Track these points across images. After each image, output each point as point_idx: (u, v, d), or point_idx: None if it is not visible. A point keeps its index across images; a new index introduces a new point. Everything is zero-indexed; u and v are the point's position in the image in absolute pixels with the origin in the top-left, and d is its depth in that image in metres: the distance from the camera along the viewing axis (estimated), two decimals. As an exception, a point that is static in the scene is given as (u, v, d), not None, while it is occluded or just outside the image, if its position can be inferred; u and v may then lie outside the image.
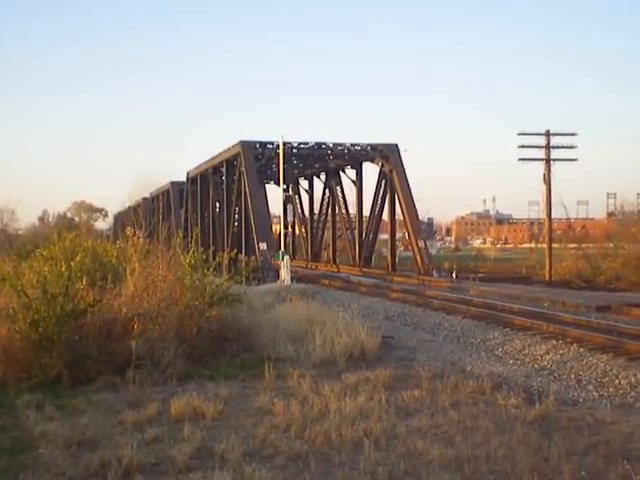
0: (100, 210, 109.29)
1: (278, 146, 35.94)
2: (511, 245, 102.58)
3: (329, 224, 48.70)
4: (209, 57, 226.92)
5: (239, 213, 41.71)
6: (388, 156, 39.53)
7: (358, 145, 41.05)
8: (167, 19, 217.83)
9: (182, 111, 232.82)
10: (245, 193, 38.32)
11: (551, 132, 40.90)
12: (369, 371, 12.21)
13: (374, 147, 40.45)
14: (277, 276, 30.81)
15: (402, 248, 60.21)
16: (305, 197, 53.52)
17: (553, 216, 43.98)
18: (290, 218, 39.07)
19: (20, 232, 68.47)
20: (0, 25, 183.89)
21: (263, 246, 34.85)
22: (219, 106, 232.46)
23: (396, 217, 41.42)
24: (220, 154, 44.43)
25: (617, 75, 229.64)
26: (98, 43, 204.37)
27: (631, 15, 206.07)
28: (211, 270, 15.28)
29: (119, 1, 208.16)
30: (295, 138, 40.72)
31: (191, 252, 15.53)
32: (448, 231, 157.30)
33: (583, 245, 49.36)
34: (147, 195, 69.21)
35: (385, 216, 42.19)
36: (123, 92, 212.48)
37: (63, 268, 13.22)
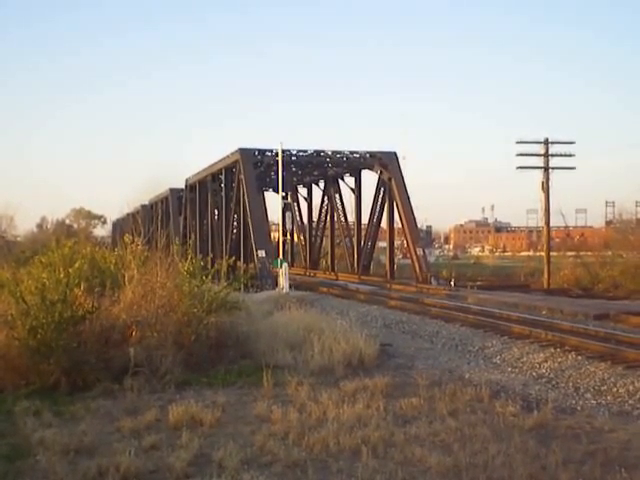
0: (99, 217, 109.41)
1: (277, 154, 36.01)
2: (509, 253, 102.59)
3: (328, 232, 48.76)
4: (208, 63, 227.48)
5: (238, 220, 41.76)
6: (387, 164, 39.63)
7: (357, 153, 41.15)
8: (168, 22, 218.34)
9: (181, 119, 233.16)
10: (244, 200, 38.37)
11: (550, 140, 41.01)
12: (367, 379, 12.20)
13: (373, 155, 40.55)
14: (275, 283, 30.81)
15: (401, 256, 60.29)
16: (304, 205, 53.66)
17: (552, 224, 44.09)
18: (289, 225, 39.16)
19: (19, 239, 68.36)
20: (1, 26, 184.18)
21: (262, 253, 34.88)
22: (218, 113, 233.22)
23: (395, 225, 41.49)
24: (219, 161, 44.50)
25: (616, 83, 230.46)
26: (98, 48, 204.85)
27: (633, 22, 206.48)
28: (209, 277, 15.29)
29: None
30: (294, 146, 40.83)
31: (189, 259, 15.54)
32: (447, 239, 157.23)
33: (581, 253, 49.43)
34: (146, 202, 69.22)
35: (384, 224, 42.26)
36: (122, 99, 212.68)
37: (62, 275, 13.22)
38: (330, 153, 41.19)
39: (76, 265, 14.45)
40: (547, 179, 40.87)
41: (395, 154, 40.19)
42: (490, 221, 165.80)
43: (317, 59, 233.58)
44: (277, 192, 40.81)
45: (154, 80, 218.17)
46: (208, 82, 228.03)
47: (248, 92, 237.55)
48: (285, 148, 36.87)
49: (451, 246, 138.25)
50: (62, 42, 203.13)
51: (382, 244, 48.08)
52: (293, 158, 40.50)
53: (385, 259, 44.72)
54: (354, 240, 44.34)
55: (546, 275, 41.09)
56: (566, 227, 67.96)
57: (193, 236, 37.62)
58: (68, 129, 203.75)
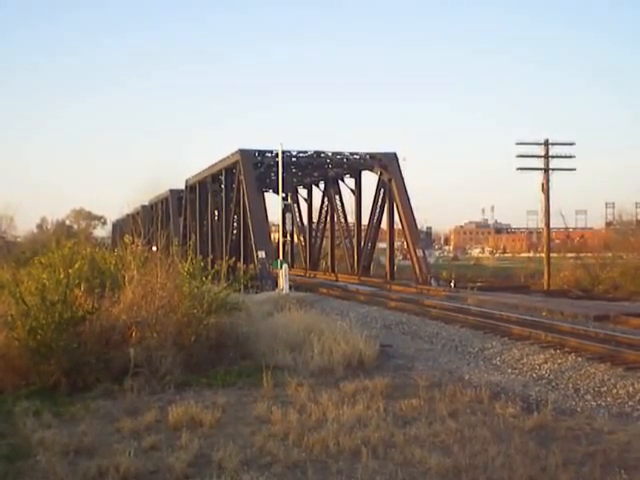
0: (99, 218, 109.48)
1: (277, 154, 35.98)
2: (509, 254, 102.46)
3: (328, 233, 48.73)
4: (208, 63, 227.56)
5: (238, 221, 41.77)
6: (387, 165, 39.63)
7: (357, 154, 41.13)
8: (169, 22, 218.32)
9: (181, 119, 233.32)
10: (244, 201, 38.37)
11: (550, 142, 40.98)
12: (367, 380, 12.19)
13: (373, 156, 40.54)
14: (275, 284, 30.80)
15: (401, 257, 60.31)
16: (304, 206, 53.66)
17: (552, 225, 44.05)
18: (289, 226, 39.11)
19: (19, 239, 68.35)
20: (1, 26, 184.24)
21: (262, 254, 34.88)
22: (218, 113, 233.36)
23: (395, 226, 41.48)
24: (219, 162, 44.50)
25: (616, 83, 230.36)
26: (98, 48, 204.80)
27: (633, 22, 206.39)
28: (209, 278, 15.29)
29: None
30: (294, 146, 40.77)
31: (189, 260, 15.54)
32: (447, 240, 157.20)
33: (581, 254, 49.44)
34: (146, 203, 69.23)
35: (384, 225, 42.26)
36: (122, 99, 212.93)
37: (62, 275, 13.21)
38: (330, 154, 41.18)
39: (76, 266, 14.46)
40: (547, 180, 40.85)
41: (395, 155, 40.21)
42: (490, 222, 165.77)
43: (317, 59, 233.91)
44: (277, 193, 40.79)
45: (154, 80, 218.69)
46: (208, 82, 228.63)
47: (248, 92, 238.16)
48: (285, 149, 36.84)
49: (451, 247, 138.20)
50: (62, 42, 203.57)
51: (382, 245, 48.09)
52: (293, 159, 40.49)
53: (385, 260, 44.71)
54: (354, 241, 44.33)
55: (546, 276, 41.07)
56: (566, 228, 68.04)
57: (193, 237, 37.60)
58: (68, 129, 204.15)
